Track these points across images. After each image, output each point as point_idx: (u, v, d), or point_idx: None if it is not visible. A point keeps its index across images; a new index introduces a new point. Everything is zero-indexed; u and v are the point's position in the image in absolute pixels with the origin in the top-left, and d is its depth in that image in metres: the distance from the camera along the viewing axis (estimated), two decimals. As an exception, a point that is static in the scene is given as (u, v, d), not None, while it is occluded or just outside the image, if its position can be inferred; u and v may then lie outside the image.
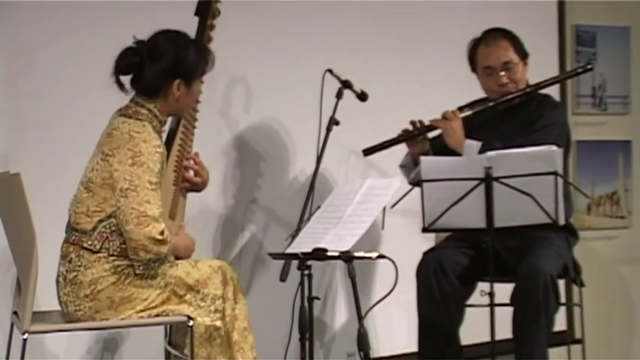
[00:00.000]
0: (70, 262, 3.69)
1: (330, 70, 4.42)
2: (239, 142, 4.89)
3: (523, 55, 4.40)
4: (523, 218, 3.85)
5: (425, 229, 3.96)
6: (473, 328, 4.32)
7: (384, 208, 3.93)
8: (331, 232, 3.88)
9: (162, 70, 3.77)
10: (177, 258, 3.83)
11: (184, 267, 3.77)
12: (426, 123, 4.39)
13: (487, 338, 3.93)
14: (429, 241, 4.58)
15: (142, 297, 3.69)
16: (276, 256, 3.95)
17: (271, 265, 4.14)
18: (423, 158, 3.98)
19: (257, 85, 4.88)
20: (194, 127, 4.10)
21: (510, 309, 4.09)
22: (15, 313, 3.84)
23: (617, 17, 6.05)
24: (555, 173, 3.79)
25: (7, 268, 4.15)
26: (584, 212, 5.92)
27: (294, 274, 3.92)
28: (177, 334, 3.94)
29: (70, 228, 3.76)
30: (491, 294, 3.89)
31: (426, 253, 4.34)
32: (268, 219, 4.93)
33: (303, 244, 3.88)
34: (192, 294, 3.74)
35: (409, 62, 5.24)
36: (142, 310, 3.69)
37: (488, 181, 3.83)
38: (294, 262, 3.91)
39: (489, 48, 4.38)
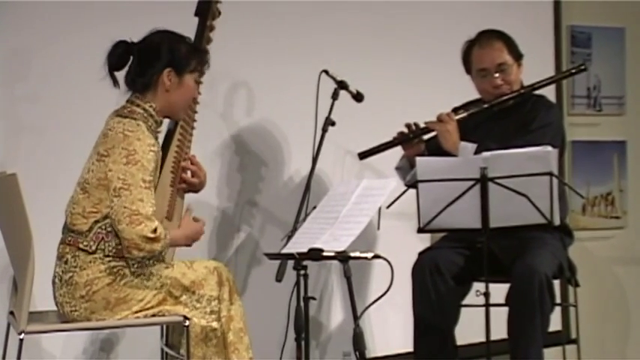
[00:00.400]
0: (65, 262, 3.70)
1: (325, 71, 4.42)
2: (235, 143, 4.90)
3: (517, 56, 4.41)
4: (518, 219, 3.86)
5: (420, 230, 3.97)
6: (468, 328, 4.33)
7: (380, 209, 3.94)
8: (327, 232, 3.88)
9: (153, 60, 3.78)
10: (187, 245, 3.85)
11: (180, 268, 3.77)
12: (422, 125, 4.40)
13: (482, 338, 3.93)
14: (424, 241, 4.58)
15: (137, 298, 3.70)
16: (272, 256, 3.95)
17: (267, 265, 4.14)
18: (418, 159, 3.99)
19: (253, 86, 4.88)
20: (192, 128, 4.10)
21: (506, 309, 4.10)
22: (11, 313, 3.84)
23: (612, 18, 6.06)
24: (550, 174, 3.79)
25: (3, 268, 4.14)
26: (579, 212, 5.92)
27: (290, 274, 3.92)
28: (174, 335, 3.95)
29: (67, 229, 3.77)
30: (486, 294, 3.90)
31: (421, 254, 4.34)
32: (264, 219, 4.94)
33: (299, 245, 3.88)
34: (188, 295, 3.74)
35: (405, 63, 5.25)
36: (137, 311, 3.70)
37: (483, 181, 3.84)
38: (290, 262, 3.91)
39: (483, 50, 4.39)
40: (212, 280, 3.77)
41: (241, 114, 4.90)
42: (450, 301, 4.25)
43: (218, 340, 3.75)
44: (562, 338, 4.87)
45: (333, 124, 4.40)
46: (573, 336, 4.71)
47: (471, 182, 3.85)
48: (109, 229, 3.68)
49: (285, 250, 3.92)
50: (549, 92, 5.44)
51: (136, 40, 3.82)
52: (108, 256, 3.68)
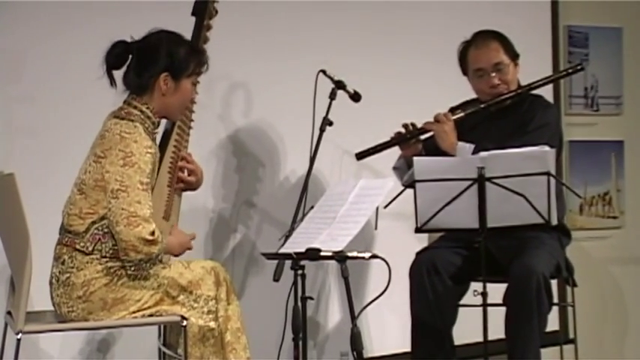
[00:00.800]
0: (62, 263, 3.70)
1: (323, 71, 4.42)
2: (232, 143, 4.89)
3: (513, 55, 4.41)
4: (516, 218, 3.86)
5: (418, 230, 3.97)
6: (466, 328, 4.32)
7: (377, 209, 3.94)
8: (325, 232, 3.88)
9: (151, 62, 3.77)
10: (175, 255, 3.84)
11: (177, 268, 3.77)
12: (419, 126, 4.40)
13: (480, 338, 3.93)
14: (422, 241, 4.58)
15: (134, 298, 3.69)
16: (269, 256, 3.95)
17: (265, 265, 4.14)
18: (416, 158, 3.99)
19: (250, 86, 4.88)
20: (189, 128, 4.10)
21: (503, 309, 4.10)
22: (9, 313, 3.84)
23: (609, 18, 6.07)
24: (548, 173, 3.79)
25: (1, 268, 4.14)
26: (576, 212, 5.93)
27: (288, 274, 3.92)
28: (171, 334, 3.95)
29: (63, 230, 3.76)
30: (484, 294, 3.90)
31: (419, 253, 4.34)
32: (261, 219, 4.94)
33: (296, 244, 3.88)
34: (185, 295, 3.74)
35: (403, 63, 5.25)
36: (135, 311, 3.69)
37: (481, 181, 3.84)
38: (288, 262, 3.91)
39: (480, 50, 4.39)
40: (209, 280, 3.77)
41: (238, 114, 4.90)
42: (448, 301, 4.25)
43: (216, 340, 3.75)
44: (560, 338, 4.88)
45: (330, 123, 4.40)
46: (571, 336, 4.70)
47: (469, 182, 3.85)
48: (105, 229, 3.68)
49: (282, 250, 3.91)
50: (547, 92, 5.43)
51: (135, 38, 3.81)
52: (105, 256, 3.68)
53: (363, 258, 3.80)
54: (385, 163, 4.58)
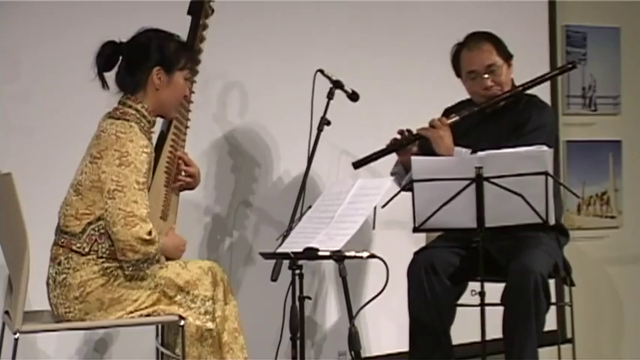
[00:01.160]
0: (59, 264, 3.69)
1: (321, 71, 4.42)
2: (229, 143, 4.89)
3: (507, 56, 4.39)
4: (514, 218, 3.86)
5: (416, 229, 3.97)
6: (464, 328, 4.32)
7: (375, 208, 3.94)
8: (322, 231, 3.88)
9: (142, 59, 3.78)
10: (167, 259, 3.84)
11: (174, 268, 3.77)
12: (414, 132, 4.39)
13: (478, 338, 3.93)
14: (419, 241, 4.58)
15: (131, 298, 3.69)
16: (267, 255, 3.95)
17: (262, 265, 4.14)
18: (413, 158, 3.98)
19: (248, 85, 4.88)
20: (186, 128, 4.10)
21: (501, 308, 4.10)
22: (6, 312, 3.84)
23: (607, 18, 6.07)
24: (546, 173, 3.79)
25: (-2, 268, 4.15)
26: (574, 212, 5.93)
27: (286, 273, 3.92)
28: (169, 334, 3.94)
29: (60, 231, 3.76)
30: (481, 293, 3.90)
31: (416, 253, 4.34)
32: (259, 219, 4.94)
33: (294, 244, 3.88)
34: (183, 295, 3.74)
35: (401, 62, 5.25)
36: (132, 312, 3.69)
37: (479, 181, 3.84)
38: (286, 262, 3.91)
39: (472, 52, 4.38)
40: (206, 281, 3.76)
41: (236, 114, 4.90)
42: (446, 301, 4.25)
43: (213, 340, 3.74)
44: (557, 338, 4.87)
45: (328, 123, 4.40)
46: (569, 336, 4.70)
47: (467, 182, 3.85)
48: (102, 230, 3.67)
49: (280, 250, 3.92)
50: (544, 92, 5.45)
51: (124, 39, 3.82)
52: (101, 257, 3.67)
53: (361, 257, 3.80)
54: (383, 163, 4.57)
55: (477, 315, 3.91)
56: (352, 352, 3.80)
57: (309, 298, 3.99)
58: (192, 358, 3.72)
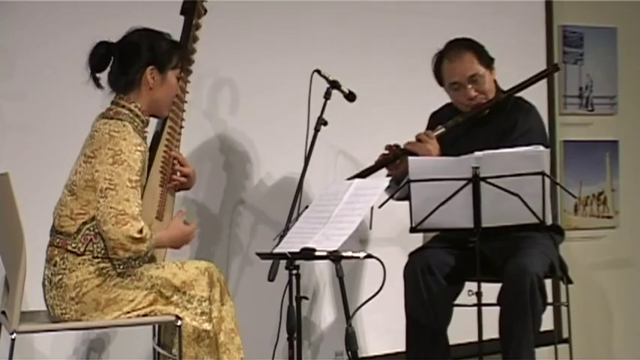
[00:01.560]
0: (54, 265, 3.69)
1: (318, 71, 4.42)
2: (226, 143, 4.89)
3: (488, 63, 4.36)
4: (510, 218, 3.86)
5: (412, 229, 3.97)
6: (461, 328, 4.33)
7: (372, 208, 3.93)
8: (319, 231, 3.88)
9: (135, 58, 3.78)
10: (175, 248, 3.85)
11: (171, 268, 3.77)
12: (402, 146, 4.36)
13: (475, 338, 3.93)
14: (416, 241, 4.58)
15: (128, 298, 3.69)
16: (264, 255, 3.95)
17: (259, 265, 4.14)
18: (410, 158, 3.99)
19: (244, 85, 4.88)
20: (181, 127, 4.10)
21: (498, 309, 4.10)
22: (3, 312, 3.84)
23: (604, 18, 6.07)
24: (543, 173, 3.80)
25: (-5, 267, 4.14)
26: (571, 212, 5.93)
27: (283, 273, 3.92)
28: (166, 335, 3.94)
29: (55, 231, 3.76)
30: (478, 293, 3.90)
31: (412, 254, 4.34)
32: (256, 219, 4.93)
33: (291, 244, 3.87)
34: (179, 295, 3.73)
35: (398, 62, 5.25)
36: (128, 312, 3.69)
37: (475, 181, 3.84)
38: (282, 262, 3.91)
39: (453, 63, 4.35)
40: (203, 281, 3.76)
41: (234, 114, 4.89)
42: (442, 301, 4.25)
43: (210, 341, 3.74)
44: (554, 338, 4.88)
45: (325, 123, 4.39)
46: (565, 335, 4.71)
47: (464, 182, 3.85)
48: (97, 230, 3.67)
49: (277, 250, 3.91)
50: (541, 92, 5.47)
51: (115, 40, 3.82)
52: (97, 257, 3.67)
53: (358, 257, 3.80)
54: (380, 163, 4.57)
55: (474, 315, 3.91)
56: (349, 352, 3.80)
57: (306, 298, 3.99)
58: (189, 358, 3.72)
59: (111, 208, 3.59)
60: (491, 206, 3.84)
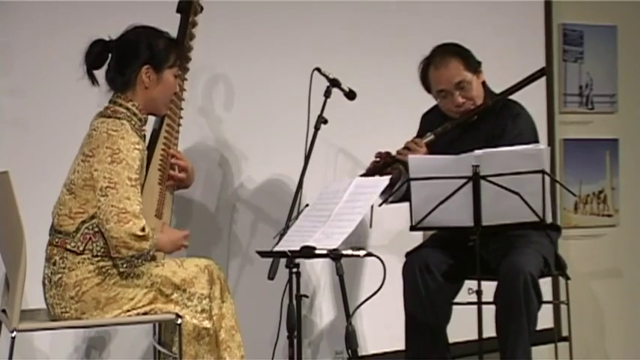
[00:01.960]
0: (54, 264, 3.69)
1: (318, 69, 4.41)
2: (227, 141, 4.89)
3: (475, 67, 4.33)
4: (510, 216, 3.86)
5: (413, 227, 3.97)
6: (460, 326, 4.33)
7: (372, 207, 3.94)
8: (319, 230, 3.88)
9: (132, 57, 3.78)
10: (167, 253, 3.84)
11: (171, 266, 3.77)
12: (393, 154, 4.35)
13: (475, 336, 3.93)
14: (416, 239, 4.58)
15: (128, 297, 3.69)
16: (264, 254, 3.95)
17: (259, 263, 4.14)
18: (410, 157, 3.99)
19: (245, 83, 4.88)
20: (179, 125, 4.10)
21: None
22: (3, 311, 3.84)
23: (604, 16, 6.07)
24: (543, 171, 3.80)
25: (-5, 266, 4.14)
26: (571, 210, 5.93)
27: (282, 272, 3.92)
28: (166, 333, 3.95)
29: (54, 230, 3.76)
30: (478, 292, 3.90)
31: (409, 253, 4.34)
32: (256, 217, 4.93)
33: (291, 242, 3.87)
34: (179, 293, 3.73)
35: (397, 61, 5.24)
36: (128, 310, 3.69)
37: (475, 179, 3.84)
38: (282, 260, 3.91)
39: (439, 71, 4.32)
40: (203, 279, 3.76)
41: (231, 113, 4.89)
42: (441, 299, 4.25)
43: (210, 338, 3.74)
44: (554, 336, 4.88)
45: (325, 122, 4.39)
46: (565, 334, 4.71)
47: (463, 180, 3.85)
48: (96, 229, 3.67)
49: (277, 248, 3.91)
50: (541, 91, 5.47)
51: (114, 37, 3.82)
52: (96, 256, 3.67)
53: (358, 256, 3.80)
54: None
55: (474, 313, 3.91)
56: (349, 351, 3.80)
57: (306, 296, 3.99)
58: (190, 356, 3.72)
59: (112, 206, 3.59)
60: (491, 204, 3.84)
